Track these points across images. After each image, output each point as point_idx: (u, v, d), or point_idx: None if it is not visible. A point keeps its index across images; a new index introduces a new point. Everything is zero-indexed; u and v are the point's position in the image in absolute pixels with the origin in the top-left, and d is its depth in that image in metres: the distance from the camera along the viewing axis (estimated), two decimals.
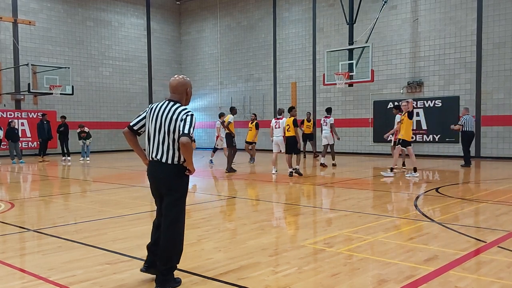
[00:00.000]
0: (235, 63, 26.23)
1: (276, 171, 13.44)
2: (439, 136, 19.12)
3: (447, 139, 18.95)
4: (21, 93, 21.89)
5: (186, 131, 3.88)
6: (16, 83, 22.10)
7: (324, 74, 18.69)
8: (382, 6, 19.48)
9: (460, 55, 18.58)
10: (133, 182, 12.58)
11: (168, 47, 28.37)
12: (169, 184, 4.05)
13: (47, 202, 9.38)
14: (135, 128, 4.29)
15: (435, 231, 6.12)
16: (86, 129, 19.48)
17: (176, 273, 4.40)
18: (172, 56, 28.58)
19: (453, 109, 18.68)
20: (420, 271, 4.42)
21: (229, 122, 14.87)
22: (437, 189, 10.00)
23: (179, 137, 3.90)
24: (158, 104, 4.16)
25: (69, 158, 19.47)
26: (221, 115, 16.28)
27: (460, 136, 15.97)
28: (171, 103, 4.10)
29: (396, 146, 13.17)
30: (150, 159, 4.15)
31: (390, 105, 20.14)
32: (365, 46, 17.84)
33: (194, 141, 3.84)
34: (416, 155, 19.23)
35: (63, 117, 19.83)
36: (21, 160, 18.68)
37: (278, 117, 13.71)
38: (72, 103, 23.74)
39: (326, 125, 15.87)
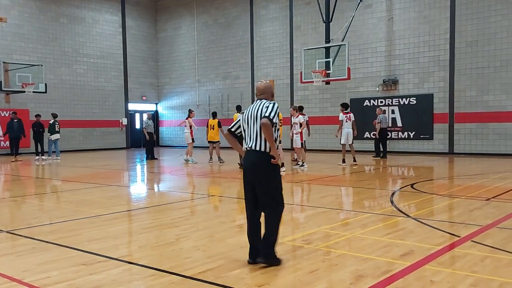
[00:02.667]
0: (212, 60, 26.12)
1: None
2: (413, 133, 19.43)
3: (421, 136, 19.27)
4: None
5: (267, 114, 4.43)
6: None
7: (301, 72, 18.77)
8: (358, 5, 19.67)
9: (434, 54, 18.90)
10: (109, 182, 12.41)
11: (144, 44, 28.05)
12: (260, 170, 4.52)
13: (21, 202, 9.18)
14: (233, 130, 4.88)
15: (410, 226, 6.22)
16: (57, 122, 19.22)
17: (154, 273, 4.37)
18: (148, 53, 28.28)
19: (427, 107, 19.01)
20: (397, 266, 4.48)
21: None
22: (412, 185, 10.16)
23: (262, 117, 4.44)
24: (250, 106, 4.75)
25: (43, 157, 19.10)
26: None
27: (378, 133, 17.45)
28: (259, 101, 4.68)
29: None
30: (245, 149, 4.69)
31: (366, 102, 20.39)
32: (341, 44, 17.98)
33: (271, 119, 4.10)
34: (391, 152, 19.63)
35: (38, 116, 19.42)
36: None
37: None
38: (46, 101, 23.26)
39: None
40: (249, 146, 4.57)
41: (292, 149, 15.89)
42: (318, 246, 5.22)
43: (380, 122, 17.20)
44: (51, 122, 19.14)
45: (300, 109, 16.19)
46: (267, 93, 4.72)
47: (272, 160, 4.48)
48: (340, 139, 15.16)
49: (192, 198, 9.57)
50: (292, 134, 14.34)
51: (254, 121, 4.54)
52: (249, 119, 4.62)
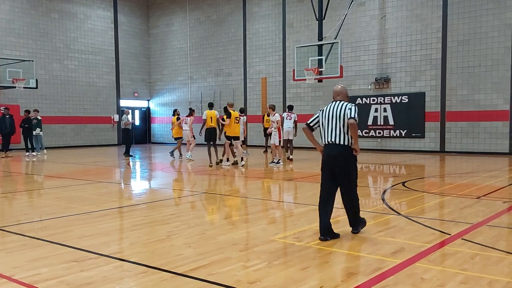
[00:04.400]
0: (204, 57, 26.05)
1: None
2: (405, 131, 19.52)
3: (413, 134, 19.38)
4: None
5: (352, 116, 5.21)
6: None
7: (294, 70, 18.79)
8: (351, 3, 19.69)
9: (426, 52, 18.99)
10: (100, 178, 12.35)
11: (136, 40, 27.91)
12: (343, 160, 5.32)
13: (11, 199, 9.11)
14: (311, 124, 5.62)
15: (401, 224, 6.25)
16: (39, 117, 19.09)
17: (145, 270, 4.36)
18: (140, 49, 28.14)
19: (419, 105, 19.10)
20: (388, 263, 4.50)
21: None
22: (403, 183, 10.21)
23: (348, 119, 5.21)
24: (328, 105, 5.49)
25: (33, 153, 18.97)
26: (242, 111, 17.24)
27: None
28: (339, 102, 5.42)
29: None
30: (326, 142, 5.41)
31: (359, 101, 20.45)
32: (334, 42, 18.02)
33: (355, 120, 4.66)
34: (383, 150, 19.72)
35: (27, 111, 19.27)
36: None
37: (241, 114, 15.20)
38: (36, 97, 23.09)
39: (290, 119, 15.83)
40: (332, 140, 5.35)
41: (286, 145, 15.90)
42: (309, 244, 5.23)
43: None
44: (39, 117, 19.12)
45: (289, 108, 16.27)
46: (342, 95, 5.51)
47: (354, 152, 5.32)
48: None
49: (184, 195, 9.55)
50: (272, 131, 14.66)
51: (337, 119, 5.31)
52: (330, 118, 5.34)
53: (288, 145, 15.95)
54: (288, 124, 15.70)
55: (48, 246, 5.24)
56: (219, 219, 6.83)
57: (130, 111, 19.14)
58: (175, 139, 17.29)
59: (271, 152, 15.11)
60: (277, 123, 14.48)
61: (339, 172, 5.38)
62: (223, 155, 14.78)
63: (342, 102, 5.41)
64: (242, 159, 14.89)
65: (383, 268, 4.35)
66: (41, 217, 7.00)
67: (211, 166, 14.02)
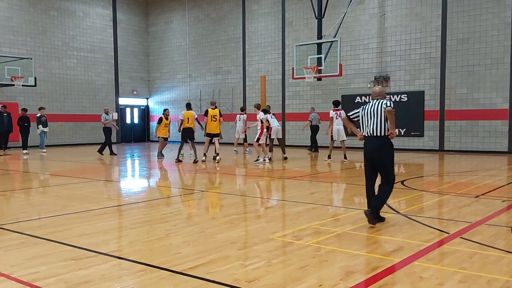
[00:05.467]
0: (204, 55, 26.02)
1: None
2: (404, 130, 19.52)
3: (412, 133, 19.38)
4: None
5: (389, 105, 6.04)
6: None
7: (293, 68, 18.77)
8: (350, 1, 19.67)
9: (425, 51, 18.98)
10: (99, 176, 12.34)
11: (135, 38, 27.86)
12: (381, 151, 6.08)
13: (9, 197, 9.09)
14: (351, 116, 6.44)
15: (400, 223, 6.25)
16: (45, 114, 19.15)
17: (143, 268, 4.36)
18: (139, 47, 28.10)
19: (418, 104, 19.10)
20: (386, 262, 4.50)
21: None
22: (402, 182, 10.21)
23: (385, 108, 5.96)
24: (368, 104, 6.24)
25: (26, 151, 19.02)
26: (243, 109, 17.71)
27: (310, 129, 19.24)
28: (378, 100, 6.18)
29: None
30: (366, 134, 6.15)
31: (358, 99, 20.45)
32: (333, 41, 18.00)
33: (392, 109, 5.26)
34: None
35: (24, 110, 19.25)
36: None
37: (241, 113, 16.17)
38: (35, 95, 23.06)
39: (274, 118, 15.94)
40: (371, 133, 6.09)
41: (276, 144, 15.96)
42: (308, 242, 5.23)
43: (311, 120, 19.03)
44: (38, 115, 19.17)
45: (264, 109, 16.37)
46: (381, 95, 6.26)
47: (389, 135, 6.02)
48: (331, 135, 15.17)
49: (183, 194, 9.54)
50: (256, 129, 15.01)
51: (376, 114, 6.04)
52: (371, 114, 6.10)
53: (274, 144, 16.00)
54: (277, 123, 15.74)
55: (47, 244, 5.24)
56: (218, 217, 6.83)
57: (108, 109, 19.29)
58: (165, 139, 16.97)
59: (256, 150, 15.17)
60: (261, 122, 14.62)
61: (377, 163, 6.15)
62: (204, 151, 15.23)
63: (380, 100, 6.16)
64: (217, 154, 15.06)
65: (382, 267, 4.35)
66: (39, 215, 6.99)
67: (177, 161, 14.96)
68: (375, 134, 6.08)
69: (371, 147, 6.14)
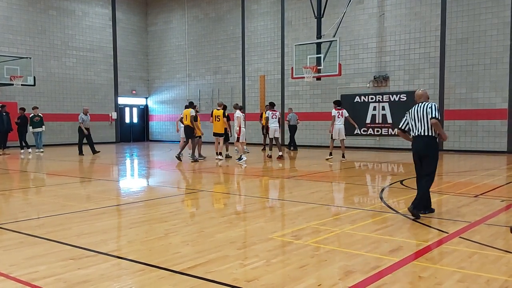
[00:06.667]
0: (203, 55, 26.01)
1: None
2: None
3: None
4: None
5: (433, 115, 6.49)
6: None
7: (292, 68, 18.75)
8: (350, 1, 19.66)
9: (424, 50, 18.98)
10: (98, 176, 12.34)
11: (134, 37, 27.84)
12: (428, 149, 6.59)
13: (8, 196, 9.08)
14: (403, 128, 6.93)
15: (399, 222, 6.26)
16: (41, 114, 19.06)
17: (143, 268, 4.36)
18: (138, 47, 28.07)
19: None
20: (385, 262, 4.50)
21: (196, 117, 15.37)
22: (401, 182, 10.22)
23: (430, 119, 6.50)
24: (413, 107, 6.78)
25: (29, 150, 18.98)
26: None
27: (289, 129, 19.66)
28: (422, 103, 6.71)
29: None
30: (415, 135, 6.68)
31: (357, 99, 20.45)
32: (332, 40, 17.98)
33: (437, 119, 5.61)
34: (381, 148, 19.73)
35: (22, 109, 19.22)
36: None
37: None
38: (34, 95, 23.03)
39: (275, 118, 15.96)
40: (419, 133, 6.62)
41: (273, 144, 16.02)
42: (307, 242, 5.23)
43: (289, 120, 19.58)
44: (41, 115, 19.11)
45: (271, 105, 16.46)
46: (424, 97, 6.77)
47: (441, 139, 6.71)
48: (332, 134, 15.28)
49: (182, 193, 9.54)
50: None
51: (422, 117, 6.59)
52: (417, 116, 6.64)
53: (274, 143, 16.10)
54: (274, 122, 15.78)
55: (46, 244, 5.23)
56: (217, 217, 6.83)
57: (88, 109, 19.16)
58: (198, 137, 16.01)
59: (236, 149, 15.56)
60: (238, 120, 15.03)
61: (423, 159, 6.67)
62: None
63: (424, 103, 6.68)
64: (219, 154, 15.34)
65: (381, 267, 4.35)
66: (38, 215, 6.98)
67: (193, 161, 14.99)
68: (422, 134, 6.61)
69: (419, 146, 6.68)
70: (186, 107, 16.12)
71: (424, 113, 6.59)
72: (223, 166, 13.88)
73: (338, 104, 15.25)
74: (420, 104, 6.73)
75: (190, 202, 8.44)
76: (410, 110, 6.88)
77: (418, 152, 6.72)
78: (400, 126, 6.99)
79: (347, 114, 15.24)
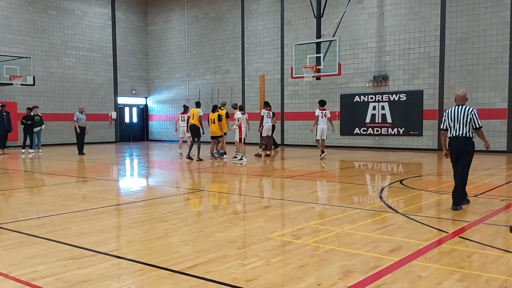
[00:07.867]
0: (202, 54, 26.00)
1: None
2: (403, 129, 19.52)
3: (411, 132, 19.38)
4: None
5: (478, 125, 7.04)
6: None
7: (292, 67, 18.75)
8: (349, 0, 19.66)
9: (424, 50, 18.98)
10: (98, 176, 12.33)
11: (133, 37, 27.82)
12: (466, 149, 7.11)
13: (8, 196, 9.08)
14: (444, 128, 7.35)
15: (399, 222, 6.26)
16: (40, 114, 19.05)
17: (142, 267, 4.36)
18: (138, 46, 28.06)
19: (417, 103, 19.10)
20: (385, 261, 4.50)
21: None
22: (401, 181, 10.22)
23: (475, 129, 7.05)
24: (453, 108, 7.23)
25: (30, 150, 18.95)
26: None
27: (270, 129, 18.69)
28: (463, 106, 7.19)
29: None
30: (453, 135, 7.14)
31: (357, 98, 20.44)
32: (332, 40, 17.98)
33: (481, 127, 6.97)
34: (381, 148, 19.73)
35: (29, 109, 19.19)
36: None
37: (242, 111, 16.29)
38: (34, 94, 23.02)
39: (270, 117, 16.39)
40: (457, 134, 7.08)
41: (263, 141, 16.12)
42: (307, 242, 5.23)
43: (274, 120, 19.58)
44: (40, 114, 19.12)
45: (266, 105, 16.62)
46: (464, 99, 7.23)
47: (485, 148, 7.42)
48: (316, 134, 15.61)
49: (182, 193, 9.54)
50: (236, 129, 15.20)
51: (462, 119, 7.05)
52: (456, 118, 7.09)
53: (265, 142, 16.35)
54: (268, 121, 16.04)
55: (45, 244, 5.23)
56: (217, 217, 6.83)
57: (84, 108, 19.03)
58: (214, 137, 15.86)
59: (235, 149, 15.51)
60: (238, 121, 14.98)
61: (460, 157, 7.16)
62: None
63: (465, 106, 7.15)
64: (224, 153, 15.64)
65: (380, 266, 4.35)
66: (38, 215, 6.98)
67: (184, 157, 15.27)
68: (461, 135, 7.07)
69: (457, 145, 7.16)
70: (185, 107, 16.17)
71: (464, 116, 7.05)
72: (223, 166, 13.86)
73: (322, 104, 15.63)
74: (460, 106, 7.16)
75: (189, 202, 8.44)
76: (449, 111, 7.25)
77: (456, 150, 7.18)
78: (442, 127, 7.40)
79: (329, 115, 15.61)
